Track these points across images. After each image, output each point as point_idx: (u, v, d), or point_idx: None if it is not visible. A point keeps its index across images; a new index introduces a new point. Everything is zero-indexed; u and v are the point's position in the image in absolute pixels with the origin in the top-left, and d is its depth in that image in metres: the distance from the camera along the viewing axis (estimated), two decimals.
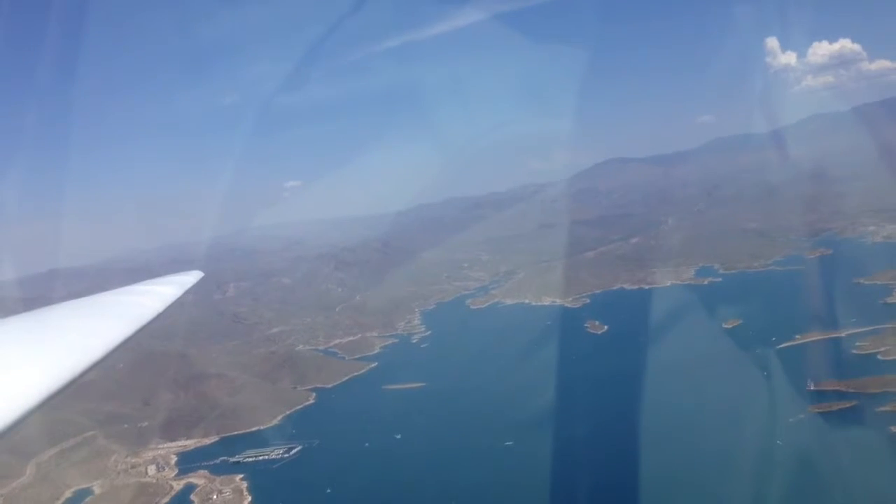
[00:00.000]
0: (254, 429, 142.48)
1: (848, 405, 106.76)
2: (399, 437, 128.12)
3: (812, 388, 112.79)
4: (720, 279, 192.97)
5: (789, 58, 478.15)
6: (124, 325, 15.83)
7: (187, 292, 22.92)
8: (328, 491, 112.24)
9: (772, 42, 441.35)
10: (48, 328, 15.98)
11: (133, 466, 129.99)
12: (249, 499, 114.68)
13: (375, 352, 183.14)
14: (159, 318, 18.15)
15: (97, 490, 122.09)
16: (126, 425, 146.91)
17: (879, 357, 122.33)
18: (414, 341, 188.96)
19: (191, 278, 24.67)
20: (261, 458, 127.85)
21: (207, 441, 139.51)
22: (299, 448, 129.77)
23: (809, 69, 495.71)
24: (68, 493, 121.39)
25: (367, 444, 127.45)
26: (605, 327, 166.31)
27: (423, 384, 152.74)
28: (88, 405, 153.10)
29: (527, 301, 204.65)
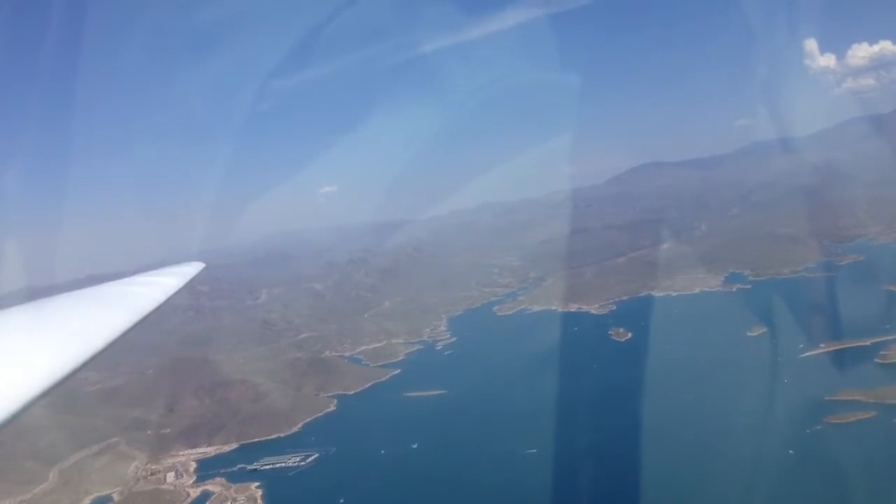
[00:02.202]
0: (274, 436, 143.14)
1: (866, 416, 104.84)
2: (415, 446, 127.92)
3: (832, 398, 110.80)
4: (749, 286, 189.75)
5: (828, 60, 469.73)
6: (125, 316, 15.74)
7: (192, 283, 23.27)
8: (341, 501, 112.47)
9: (810, 44, 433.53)
10: (50, 319, 16.00)
11: (153, 473, 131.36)
12: None
13: (399, 359, 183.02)
14: (160, 308, 18.01)
15: (116, 497, 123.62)
16: (149, 432, 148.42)
17: None
18: (438, 348, 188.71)
19: (192, 269, 24.67)
20: (278, 465, 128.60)
21: (227, 448, 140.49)
22: (316, 456, 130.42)
23: (849, 71, 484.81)
24: (87, 500, 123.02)
25: (382, 452, 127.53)
26: (629, 335, 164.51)
27: (444, 391, 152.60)
28: (115, 411, 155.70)
29: (553, 308, 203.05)
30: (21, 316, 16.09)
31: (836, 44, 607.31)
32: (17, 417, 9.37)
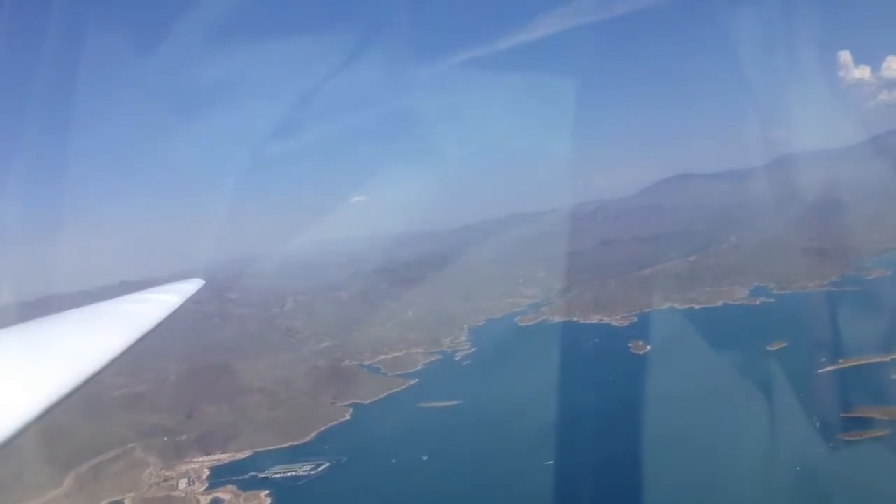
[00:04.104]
0: (288, 444, 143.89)
1: (880, 434, 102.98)
2: (426, 458, 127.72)
3: (847, 415, 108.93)
4: (773, 300, 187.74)
5: (863, 72, 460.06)
6: (125, 335, 15.88)
7: (189, 300, 23.06)
8: None
9: (844, 56, 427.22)
10: (49, 338, 16.07)
11: (165, 480, 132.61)
12: None
13: (417, 368, 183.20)
14: (160, 327, 18.14)
15: (127, 502, 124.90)
16: (165, 438, 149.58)
17: None
18: (457, 358, 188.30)
19: (191, 286, 24.78)
20: (289, 474, 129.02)
21: (241, 455, 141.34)
22: (327, 465, 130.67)
23: (884, 83, 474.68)
24: None
25: (393, 461, 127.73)
26: (648, 347, 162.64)
27: (459, 402, 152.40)
28: (134, 417, 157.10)
29: (575, 319, 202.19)
30: (18, 335, 16.09)
31: (870, 55, 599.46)
32: (15, 439, 9.34)
